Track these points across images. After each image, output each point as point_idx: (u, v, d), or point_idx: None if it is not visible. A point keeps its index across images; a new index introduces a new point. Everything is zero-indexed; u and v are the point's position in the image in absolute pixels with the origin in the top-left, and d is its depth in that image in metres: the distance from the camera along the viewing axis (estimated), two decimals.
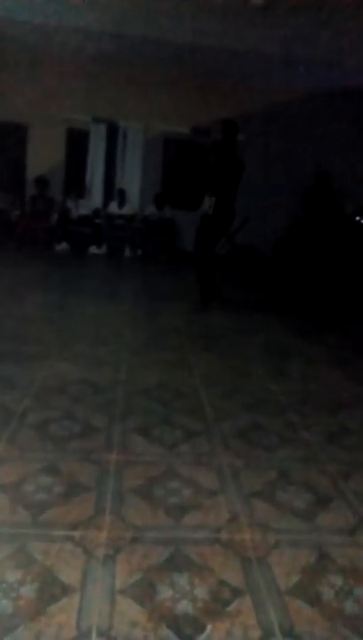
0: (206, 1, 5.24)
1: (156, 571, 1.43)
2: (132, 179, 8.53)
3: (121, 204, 8.22)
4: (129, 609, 1.30)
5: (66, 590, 1.33)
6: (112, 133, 8.37)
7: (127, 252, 8.06)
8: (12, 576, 1.36)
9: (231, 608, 1.33)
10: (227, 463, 2.06)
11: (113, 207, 8.28)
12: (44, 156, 8.27)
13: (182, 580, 1.41)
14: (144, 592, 1.35)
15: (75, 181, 8.38)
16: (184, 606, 1.32)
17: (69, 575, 1.38)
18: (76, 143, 8.38)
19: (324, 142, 8.27)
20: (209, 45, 6.46)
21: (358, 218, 7.42)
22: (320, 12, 5.10)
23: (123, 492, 1.79)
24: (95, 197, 8.53)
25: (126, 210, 8.22)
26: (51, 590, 1.33)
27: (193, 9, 5.47)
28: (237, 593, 1.38)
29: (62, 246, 7.89)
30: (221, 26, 5.85)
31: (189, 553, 1.51)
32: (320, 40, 5.91)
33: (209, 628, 1.26)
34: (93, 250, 7.98)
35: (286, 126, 8.40)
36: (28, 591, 1.32)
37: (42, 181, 8.03)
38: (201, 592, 1.37)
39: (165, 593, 1.36)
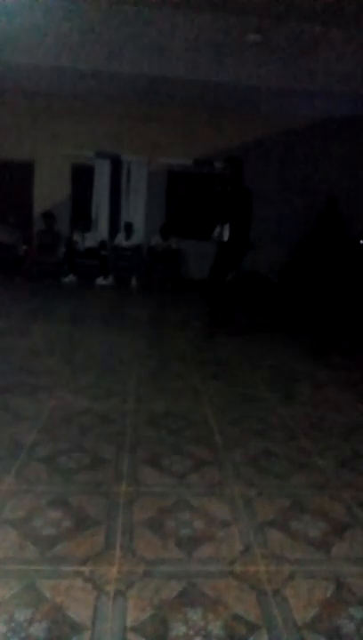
0: (205, 38, 5.42)
1: (168, 606, 1.39)
2: (136, 210, 8.67)
3: (128, 236, 8.35)
4: None
5: (76, 629, 1.29)
6: (116, 167, 8.56)
7: (134, 282, 8.12)
8: (21, 615, 1.33)
9: None
10: (239, 492, 2.02)
11: (120, 239, 8.40)
12: (50, 191, 8.46)
13: (196, 615, 1.36)
14: (156, 629, 1.31)
15: (81, 215, 8.53)
16: None
17: (79, 612, 1.34)
18: (82, 178, 8.56)
19: (327, 168, 8.40)
20: (209, 80, 6.63)
21: (362, 241, 7.46)
22: (315, 42, 5.25)
23: (133, 525, 1.75)
24: (101, 230, 8.67)
25: (133, 242, 8.34)
26: (60, 629, 1.29)
27: (192, 45, 5.66)
28: (253, 628, 1.33)
29: (69, 278, 7.98)
30: (220, 60, 6.04)
31: (203, 587, 1.47)
32: (317, 70, 6.07)
33: None
34: (100, 281, 8.06)
35: (287, 155, 8.55)
36: (37, 630, 1.28)
37: (49, 216, 8.19)
38: (215, 627, 1.32)
39: (178, 629, 1.31)
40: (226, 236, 4.88)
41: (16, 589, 1.41)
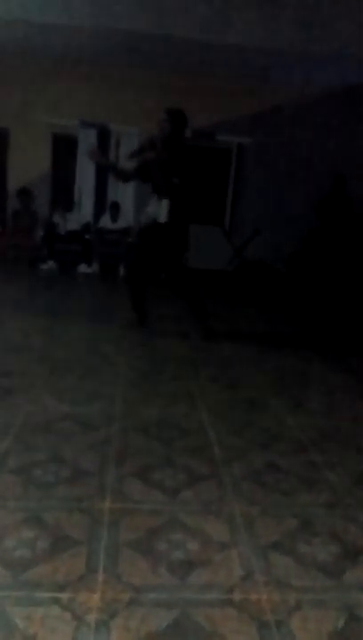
0: None
1: (157, 639, 1.39)
2: (125, 189, 8.64)
3: (114, 218, 8.32)
4: None
5: None
6: (103, 139, 8.53)
7: (121, 271, 8.11)
8: None
9: None
10: (239, 511, 2.03)
11: (105, 221, 8.38)
12: (27, 165, 8.41)
13: None
14: None
15: (62, 193, 8.51)
16: None
17: None
18: (64, 150, 8.53)
19: (339, 145, 8.40)
20: (208, 40, 6.59)
21: None
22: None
23: (118, 547, 1.75)
24: (85, 211, 8.64)
25: (120, 224, 8.31)
26: None
27: (193, 1, 5.64)
28: None
29: (48, 265, 7.96)
30: (224, 19, 6.02)
31: (197, 617, 1.48)
32: (327, 33, 6.05)
33: None
34: (83, 269, 8.05)
35: (297, 129, 8.53)
36: None
37: (25, 194, 8.15)
38: None
39: None
40: (163, 216, 4.47)
41: None
